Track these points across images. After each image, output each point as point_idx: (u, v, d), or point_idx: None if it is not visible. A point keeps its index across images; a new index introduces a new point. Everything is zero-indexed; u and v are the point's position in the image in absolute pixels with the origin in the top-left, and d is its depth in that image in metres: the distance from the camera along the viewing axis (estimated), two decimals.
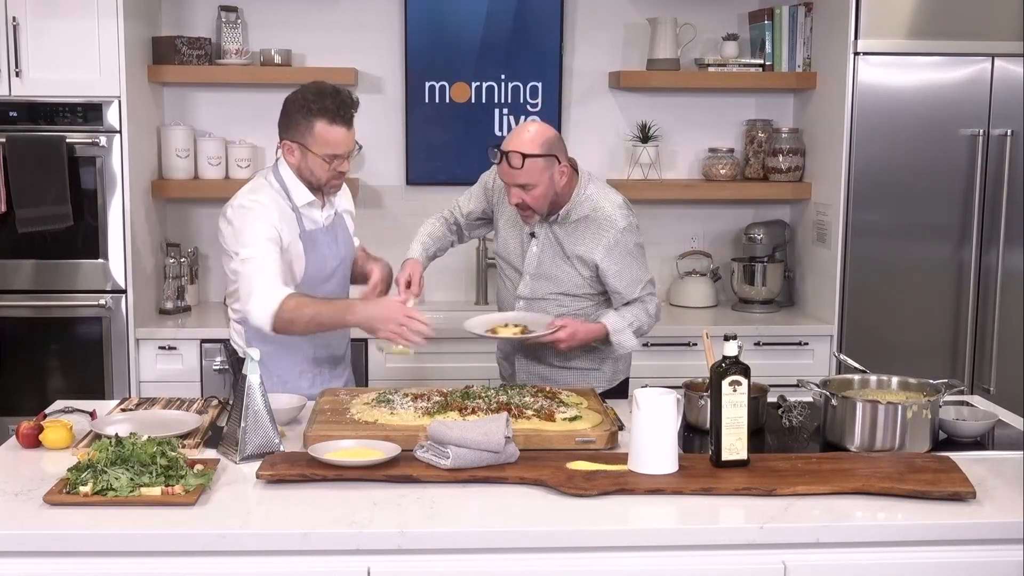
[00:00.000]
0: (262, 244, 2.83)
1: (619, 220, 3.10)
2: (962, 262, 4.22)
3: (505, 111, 4.59)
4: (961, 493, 2.26)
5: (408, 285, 3.03)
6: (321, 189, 2.96)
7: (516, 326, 3.10)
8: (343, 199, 3.11)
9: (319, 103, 2.84)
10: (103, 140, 4.01)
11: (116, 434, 2.40)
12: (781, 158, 4.52)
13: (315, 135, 2.85)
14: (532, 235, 3.17)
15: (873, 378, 2.82)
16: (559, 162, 3.01)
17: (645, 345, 4.19)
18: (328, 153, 2.86)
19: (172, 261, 4.34)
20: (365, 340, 4.11)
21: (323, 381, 3.07)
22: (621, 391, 3.31)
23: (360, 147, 2.99)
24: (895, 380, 2.80)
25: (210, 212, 4.22)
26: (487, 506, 2.22)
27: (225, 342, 3.16)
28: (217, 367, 4.00)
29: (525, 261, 3.19)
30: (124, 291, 4.09)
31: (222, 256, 2.99)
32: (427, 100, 4.56)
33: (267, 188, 2.93)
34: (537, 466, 2.37)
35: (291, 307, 2.78)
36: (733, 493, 2.27)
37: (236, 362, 3.05)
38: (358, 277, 3.18)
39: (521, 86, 4.58)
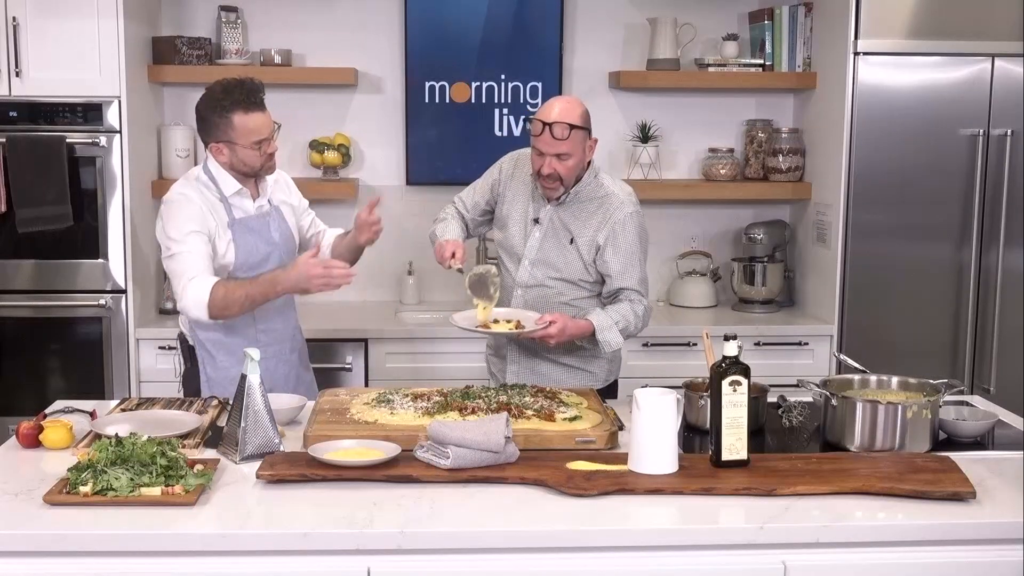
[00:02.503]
0: (187, 237, 2.97)
1: (628, 205, 3.15)
2: (962, 262, 4.22)
3: (505, 111, 4.59)
4: (961, 493, 2.26)
5: (453, 255, 3.12)
6: (257, 175, 3.10)
7: (508, 321, 3.10)
8: (279, 192, 3.23)
9: (229, 98, 2.98)
10: (103, 140, 4.01)
11: (116, 434, 2.40)
12: (781, 158, 4.52)
13: (236, 128, 2.98)
14: (536, 221, 3.18)
15: (873, 378, 2.82)
16: (590, 136, 3.10)
17: (645, 345, 4.19)
18: (254, 140, 3.00)
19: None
20: (365, 340, 4.12)
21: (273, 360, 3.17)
22: (611, 392, 3.31)
23: (279, 125, 3.11)
24: (895, 380, 2.80)
25: None
26: (487, 506, 2.22)
27: (180, 333, 3.29)
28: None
29: (527, 246, 3.20)
30: (124, 291, 4.09)
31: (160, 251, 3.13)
32: (427, 100, 4.56)
33: (193, 182, 3.08)
34: (537, 466, 2.37)
35: (222, 294, 2.95)
36: (733, 493, 2.27)
37: (187, 350, 3.24)
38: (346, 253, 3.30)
39: (521, 86, 4.58)
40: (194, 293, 2.95)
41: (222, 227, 3.05)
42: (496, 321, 3.11)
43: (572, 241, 3.16)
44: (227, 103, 2.97)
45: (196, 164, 4.37)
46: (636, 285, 3.15)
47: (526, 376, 3.22)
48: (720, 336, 2.43)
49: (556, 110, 3.04)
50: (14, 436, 2.61)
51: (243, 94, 2.98)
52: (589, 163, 3.16)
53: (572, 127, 3.00)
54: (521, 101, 4.58)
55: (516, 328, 3.06)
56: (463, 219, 3.35)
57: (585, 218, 3.15)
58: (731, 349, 2.39)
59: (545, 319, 3.02)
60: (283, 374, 3.23)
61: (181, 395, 3.25)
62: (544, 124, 3.01)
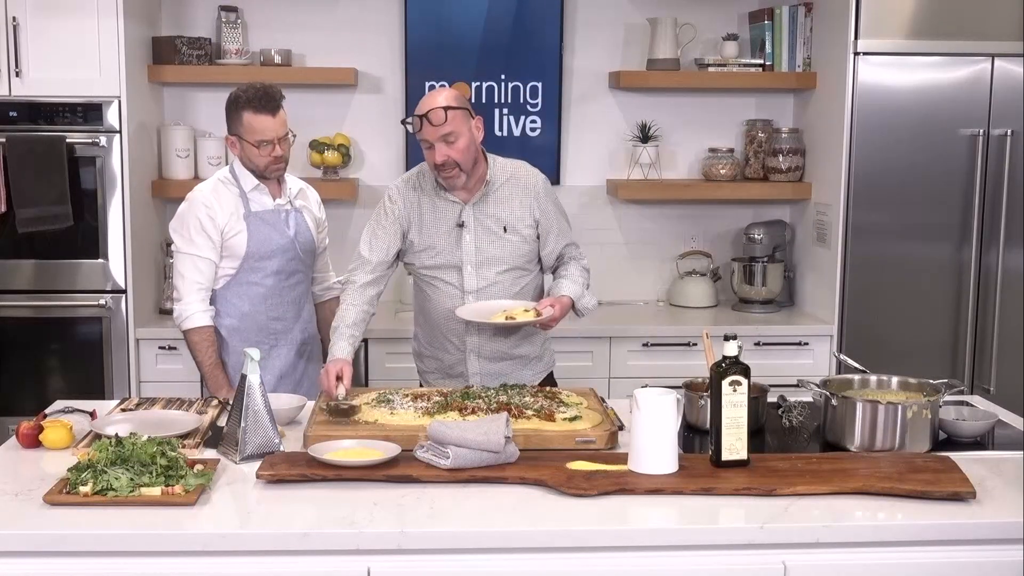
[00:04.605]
0: (192, 240, 3.23)
1: (539, 174, 3.25)
2: (962, 262, 4.22)
3: (505, 111, 4.59)
4: (961, 493, 2.26)
5: (339, 378, 2.91)
6: (264, 175, 3.26)
7: (527, 311, 3.06)
8: (302, 199, 3.40)
9: (245, 97, 3.20)
10: (103, 140, 4.01)
11: (116, 434, 2.40)
12: (781, 158, 4.52)
13: (245, 125, 3.20)
14: (460, 225, 3.14)
15: (873, 378, 2.82)
16: (472, 116, 3.11)
17: (644, 345, 4.20)
18: (257, 139, 3.19)
19: (172, 261, 4.34)
20: (365, 340, 4.12)
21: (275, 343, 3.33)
22: (551, 383, 3.32)
23: (294, 135, 3.31)
24: (895, 380, 2.80)
25: None
26: (487, 506, 2.22)
27: None
28: None
29: (463, 252, 3.14)
30: (124, 291, 4.09)
31: None
32: None
33: (215, 181, 3.31)
34: (537, 466, 2.37)
35: (198, 340, 3.25)
36: (733, 493, 2.27)
37: None
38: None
39: (521, 86, 4.58)
40: (189, 315, 3.24)
41: (237, 218, 3.24)
42: (503, 313, 3.08)
43: (505, 229, 3.15)
44: (242, 101, 3.20)
45: (196, 164, 4.42)
46: (572, 238, 3.28)
47: (489, 381, 3.16)
48: (720, 336, 2.43)
49: (426, 101, 3.05)
50: (14, 436, 2.61)
51: (258, 97, 3.18)
52: (484, 153, 3.17)
53: (446, 108, 3.00)
54: (521, 101, 4.58)
55: (507, 319, 3.06)
56: (368, 296, 3.16)
57: (507, 201, 3.16)
58: (731, 349, 2.39)
59: (545, 303, 3.07)
60: (291, 364, 3.35)
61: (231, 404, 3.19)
62: (419, 117, 3.02)
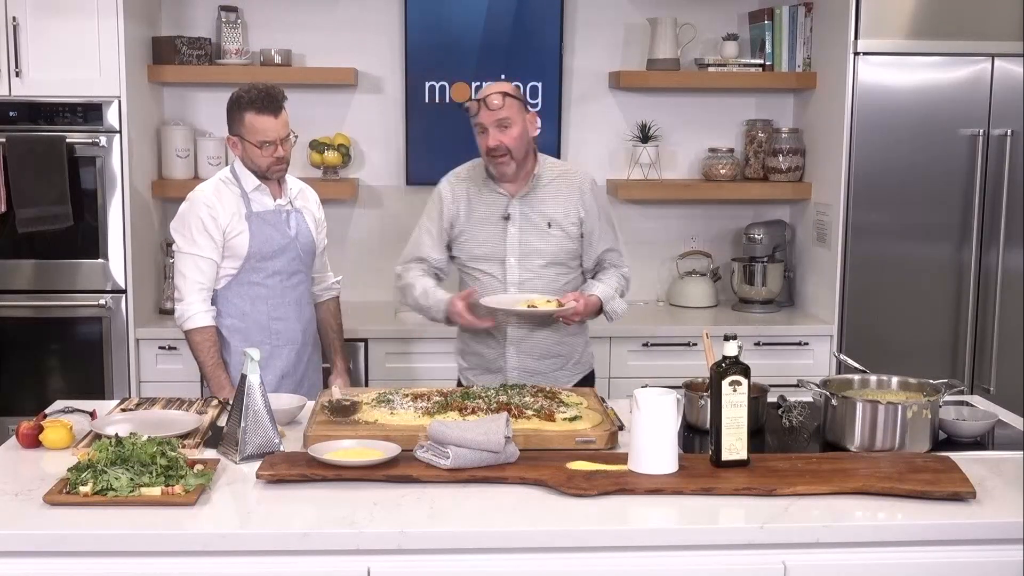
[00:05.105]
0: (194, 240, 3.22)
1: (588, 174, 3.32)
2: (962, 262, 4.22)
3: None
4: (961, 493, 2.26)
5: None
6: (265, 176, 3.26)
7: (549, 301, 3.13)
8: (304, 200, 3.41)
9: (247, 97, 3.20)
10: (103, 140, 4.01)
11: (116, 434, 2.40)
12: (781, 158, 4.52)
13: (246, 125, 3.20)
14: (506, 218, 3.22)
15: (873, 378, 2.82)
16: (527, 110, 3.21)
17: (644, 345, 4.20)
18: (259, 140, 3.19)
19: (172, 261, 4.34)
20: (365, 340, 4.12)
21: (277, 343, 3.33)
22: (589, 382, 3.37)
23: (296, 136, 3.31)
24: (895, 380, 2.80)
25: None
26: (487, 506, 2.22)
27: None
28: None
29: (507, 245, 3.23)
30: (124, 291, 4.09)
31: None
32: (427, 100, 4.56)
33: (217, 181, 3.30)
34: (537, 466, 2.37)
35: (199, 340, 3.24)
36: (733, 493, 2.27)
37: None
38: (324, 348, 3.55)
39: (521, 86, 4.57)
40: (190, 315, 3.23)
41: (239, 218, 3.24)
42: (526, 303, 3.14)
43: (550, 225, 3.21)
44: (244, 101, 3.20)
45: (196, 164, 4.42)
46: (616, 244, 3.30)
47: (526, 379, 3.22)
48: (720, 336, 2.43)
49: (486, 88, 3.21)
50: (14, 436, 2.61)
51: (261, 97, 3.19)
52: (536, 150, 3.25)
53: (505, 95, 3.13)
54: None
55: (529, 308, 3.11)
56: (435, 276, 3.32)
57: (554, 197, 3.23)
58: (731, 349, 2.39)
59: (569, 296, 3.12)
60: (292, 365, 3.34)
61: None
62: (478, 101, 3.15)
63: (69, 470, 2.26)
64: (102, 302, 4.08)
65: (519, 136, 3.15)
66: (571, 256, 3.26)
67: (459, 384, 3.38)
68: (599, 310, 3.22)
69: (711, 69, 4.48)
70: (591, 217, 3.25)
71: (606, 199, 3.30)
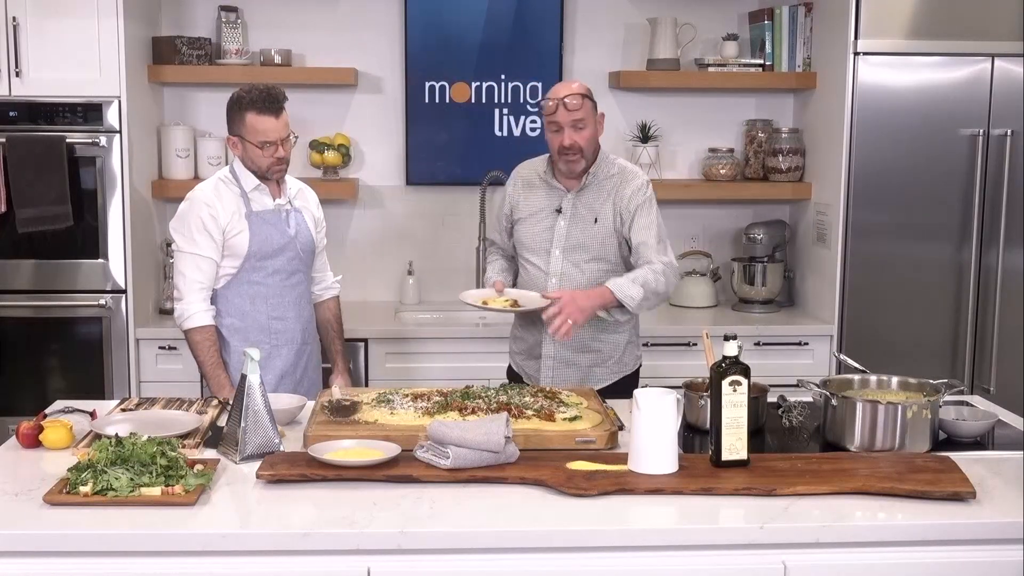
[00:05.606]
0: (194, 239, 3.22)
1: (643, 175, 3.35)
2: (962, 262, 4.22)
3: (505, 111, 4.59)
4: (961, 493, 2.26)
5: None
6: (265, 176, 3.27)
7: (506, 300, 3.20)
8: (303, 200, 3.42)
9: (248, 97, 3.21)
10: (103, 140, 4.01)
11: (116, 434, 2.40)
12: (781, 158, 4.52)
13: (247, 126, 3.21)
14: (559, 211, 3.29)
15: (873, 378, 2.82)
16: (596, 110, 3.28)
17: (645, 345, 4.18)
18: (260, 140, 3.20)
19: (172, 261, 4.34)
20: (365, 340, 4.12)
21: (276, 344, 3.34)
22: (633, 382, 3.37)
23: (296, 137, 3.32)
24: (895, 380, 2.80)
25: None
26: (487, 506, 2.22)
27: None
28: None
29: (554, 237, 3.29)
30: (124, 291, 4.09)
31: None
32: (427, 100, 4.56)
33: (216, 180, 3.31)
34: (537, 466, 2.37)
35: (199, 339, 3.24)
36: (733, 493, 2.27)
37: None
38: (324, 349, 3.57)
39: (521, 86, 4.58)
40: (189, 314, 3.24)
41: (239, 217, 3.25)
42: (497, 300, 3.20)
43: (596, 220, 3.26)
44: (245, 101, 3.21)
45: (196, 164, 4.42)
46: (648, 238, 3.22)
47: (561, 370, 3.30)
48: (720, 336, 2.43)
49: (562, 87, 3.25)
50: (14, 436, 2.61)
51: (262, 98, 3.20)
52: (599, 147, 3.30)
53: (583, 96, 3.20)
54: (521, 101, 4.58)
55: (515, 306, 3.14)
56: (508, 259, 3.50)
57: (606, 195, 3.28)
58: (731, 349, 2.39)
59: (549, 295, 3.13)
60: (292, 364, 3.35)
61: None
62: (557, 100, 3.19)
63: (69, 470, 2.25)
64: (102, 302, 4.08)
65: (591, 137, 3.23)
66: (613, 252, 3.29)
67: (509, 369, 3.50)
68: (612, 300, 3.13)
69: (711, 69, 4.48)
70: (632, 212, 3.25)
71: (653, 199, 3.29)
